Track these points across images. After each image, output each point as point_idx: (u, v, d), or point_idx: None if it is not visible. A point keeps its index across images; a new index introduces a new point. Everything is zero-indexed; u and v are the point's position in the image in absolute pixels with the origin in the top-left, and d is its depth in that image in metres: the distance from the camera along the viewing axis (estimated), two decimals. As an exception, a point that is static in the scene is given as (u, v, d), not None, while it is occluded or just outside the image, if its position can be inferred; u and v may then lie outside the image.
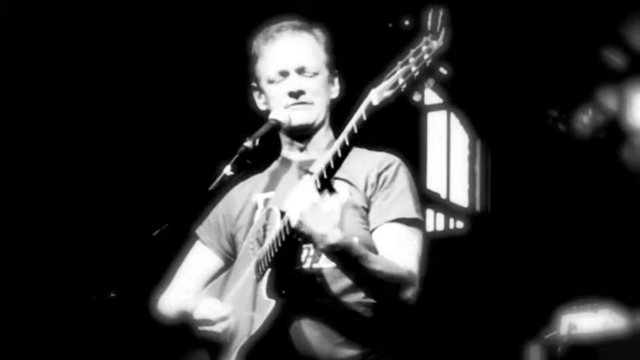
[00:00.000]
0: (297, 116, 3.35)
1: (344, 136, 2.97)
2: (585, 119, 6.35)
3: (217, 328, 3.23)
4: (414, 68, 2.84)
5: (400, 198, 3.28)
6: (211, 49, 5.63)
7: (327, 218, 2.99)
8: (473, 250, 6.58)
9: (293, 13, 3.50)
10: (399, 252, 3.20)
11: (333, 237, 3.01)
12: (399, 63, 2.89)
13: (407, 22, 6.12)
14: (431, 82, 2.90)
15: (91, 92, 5.61)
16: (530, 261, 6.24)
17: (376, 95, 2.91)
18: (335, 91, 3.45)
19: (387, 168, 3.30)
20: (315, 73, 3.37)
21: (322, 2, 5.31)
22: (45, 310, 5.57)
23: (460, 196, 6.96)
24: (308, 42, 3.39)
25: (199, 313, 3.28)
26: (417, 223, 3.29)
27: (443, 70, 2.88)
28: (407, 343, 3.55)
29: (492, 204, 6.82)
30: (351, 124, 2.96)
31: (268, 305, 3.13)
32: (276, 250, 3.14)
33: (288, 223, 3.04)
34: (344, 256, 3.06)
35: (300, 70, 3.36)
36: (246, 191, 3.47)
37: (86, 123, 5.62)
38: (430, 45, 2.82)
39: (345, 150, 2.98)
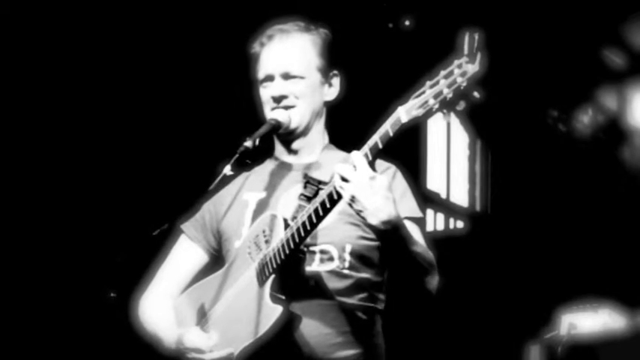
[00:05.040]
0: (283, 120, 3.37)
1: (366, 149, 2.98)
2: (585, 119, 6.36)
3: (207, 357, 3.24)
4: (446, 90, 2.85)
5: (404, 198, 3.32)
6: (212, 49, 5.63)
7: (381, 193, 2.98)
8: (473, 250, 6.58)
9: (294, 14, 3.50)
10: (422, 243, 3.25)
11: (387, 213, 2.99)
12: (428, 83, 2.89)
13: (407, 22, 6.12)
14: (462, 104, 2.88)
15: (91, 92, 5.61)
16: (530, 261, 6.25)
17: (404, 113, 2.91)
18: (331, 93, 3.45)
19: (382, 172, 3.31)
20: (301, 77, 3.39)
21: (323, 2, 5.31)
22: (45, 310, 5.57)
23: (460, 196, 6.97)
24: (297, 46, 3.41)
25: (190, 341, 3.27)
26: (422, 222, 3.34)
27: (476, 94, 2.84)
28: (406, 343, 3.56)
29: (492, 204, 6.83)
30: (375, 139, 2.97)
31: (275, 311, 3.13)
32: (282, 257, 3.15)
33: (337, 194, 3.01)
34: (393, 233, 3.04)
35: (285, 75, 3.39)
36: (235, 187, 3.46)
37: (86, 123, 5.62)
38: (465, 68, 2.83)
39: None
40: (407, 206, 3.30)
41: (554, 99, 6.35)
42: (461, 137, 6.98)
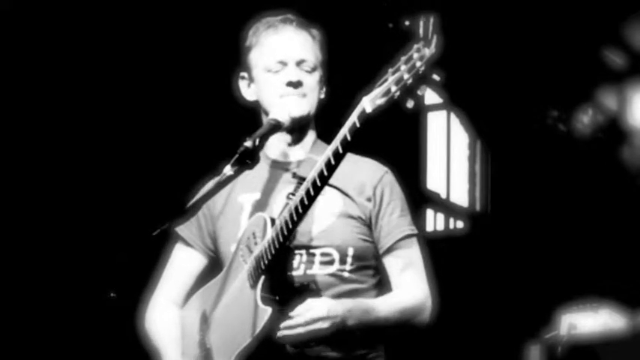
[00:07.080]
0: (296, 107, 3.30)
1: (337, 143, 2.96)
2: (585, 119, 6.36)
3: None
4: (406, 75, 2.84)
5: (401, 216, 3.30)
6: (210, 48, 5.63)
7: (295, 322, 3.08)
8: (473, 250, 6.58)
9: (291, 11, 3.49)
10: (409, 278, 3.27)
11: (320, 328, 3.09)
12: (390, 70, 2.88)
13: (407, 22, 6.12)
14: (424, 88, 2.88)
15: (90, 91, 5.61)
16: (529, 261, 6.25)
17: (369, 103, 2.90)
18: (324, 92, 3.41)
19: (380, 180, 3.30)
20: (313, 69, 3.34)
21: (322, 2, 5.31)
22: (45, 310, 5.57)
23: (460, 196, 6.97)
24: (309, 36, 3.36)
25: None
26: (418, 237, 3.33)
27: (436, 77, 2.85)
28: (406, 344, 3.55)
29: (492, 204, 6.83)
30: (344, 132, 2.95)
31: (265, 313, 3.12)
32: (269, 257, 3.14)
33: (314, 189, 3.02)
34: (349, 325, 3.13)
35: (300, 63, 3.32)
36: (227, 188, 3.35)
37: (86, 122, 5.62)
38: (422, 52, 2.82)
39: (338, 158, 2.97)
40: (403, 224, 3.29)
41: (554, 99, 6.35)
42: (461, 137, 6.99)
